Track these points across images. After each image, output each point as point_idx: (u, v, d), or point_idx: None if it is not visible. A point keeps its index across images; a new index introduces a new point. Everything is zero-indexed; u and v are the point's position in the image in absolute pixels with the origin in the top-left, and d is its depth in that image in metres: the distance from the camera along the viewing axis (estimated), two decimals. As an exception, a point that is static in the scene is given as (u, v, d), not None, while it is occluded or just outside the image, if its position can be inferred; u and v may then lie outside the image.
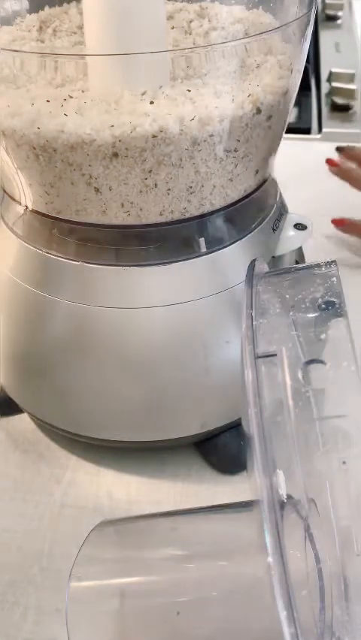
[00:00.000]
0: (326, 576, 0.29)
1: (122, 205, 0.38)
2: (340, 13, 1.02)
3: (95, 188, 0.37)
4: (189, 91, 0.36)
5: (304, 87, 0.85)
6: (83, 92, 0.36)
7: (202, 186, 0.38)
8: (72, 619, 0.33)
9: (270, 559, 0.24)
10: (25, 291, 0.42)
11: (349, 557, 0.28)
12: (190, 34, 0.43)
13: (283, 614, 0.24)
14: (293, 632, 0.24)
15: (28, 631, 0.38)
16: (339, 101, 0.85)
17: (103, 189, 0.37)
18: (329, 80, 0.88)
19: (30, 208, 0.41)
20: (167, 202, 0.38)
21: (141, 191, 0.37)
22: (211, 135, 0.36)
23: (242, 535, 0.34)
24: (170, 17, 0.44)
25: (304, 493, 0.28)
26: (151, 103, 0.35)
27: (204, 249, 0.40)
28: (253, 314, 0.31)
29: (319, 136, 0.85)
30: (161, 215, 0.38)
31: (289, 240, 0.45)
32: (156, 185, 0.37)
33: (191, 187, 0.38)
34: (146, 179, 0.36)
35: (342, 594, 0.28)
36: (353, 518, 0.28)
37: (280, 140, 0.43)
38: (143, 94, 0.36)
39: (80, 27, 0.42)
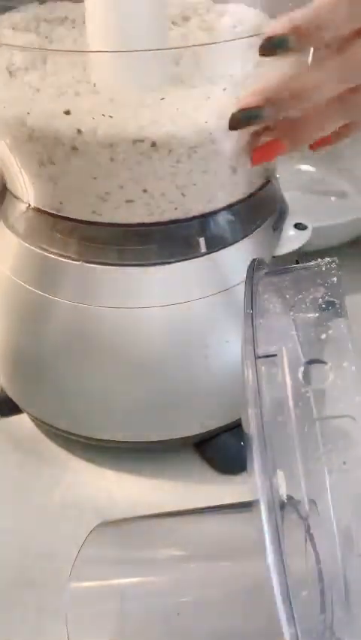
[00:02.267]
0: (326, 576, 0.29)
1: (126, 202, 0.38)
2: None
3: (98, 186, 0.37)
4: (192, 90, 0.36)
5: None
6: (84, 90, 0.36)
7: (205, 186, 0.38)
8: (72, 619, 0.33)
9: (270, 559, 0.24)
10: (25, 291, 0.41)
11: (349, 558, 0.28)
12: (194, 32, 0.43)
13: (283, 614, 0.24)
14: (293, 632, 0.24)
15: (28, 631, 0.38)
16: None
17: (107, 188, 0.37)
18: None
19: (32, 205, 0.41)
20: (170, 200, 0.38)
21: (144, 190, 0.37)
22: (213, 135, 0.36)
23: (242, 535, 0.34)
24: (172, 17, 0.44)
25: (304, 494, 0.28)
26: (155, 102, 0.35)
27: (204, 249, 0.40)
28: (253, 314, 0.31)
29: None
30: (164, 213, 0.38)
31: (289, 239, 0.45)
32: (159, 183, 0.37)
33: (195, 185, 0.38)
34: (149, 177, 0.36)
35: (342, 595, 0.28)
36: (353, 518, 0.28)
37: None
38: (145, 93, 0.36)
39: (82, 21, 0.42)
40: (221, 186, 0.39)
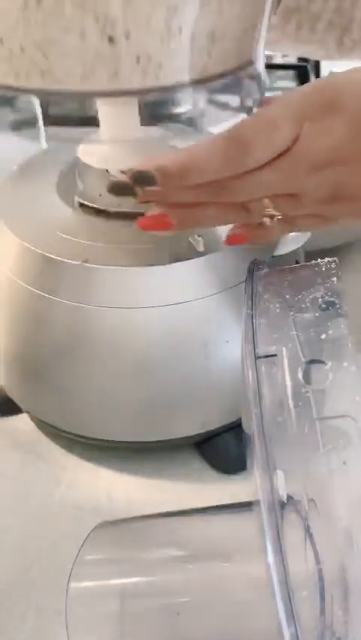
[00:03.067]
0: (326, 576, 0.29)
1: (138, 60, 0.32)
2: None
3: (109, 37, 0.31)
4: None
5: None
6: None
7: (224, 35, 0.33)
8: (72, 620, 0.33)
9: (270, 559, 0.24)
10: (25, 291, 0.41)
11: (349, 558, 0.28)
12: None
13: (283, 614, 0.24)
14: (293, 632, 0.24)
15: (28, 632, 0.38)
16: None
17: (118, 38, 0.31)
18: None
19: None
20: (188, 55, 0.33)
21: (162, 39, 0.32)
22: None
23: (242, 535, 0.34)
24: None
25: (304, 493, 0.28)
26: None
27: (203, 249, 0.40)
28: (253, 314, 0.31)
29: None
30: (180, 73, 0.33)
31: (289, 239, 0.45)
32: (180, 30, 0.32)
33: (213, 33, 0.33)
34: (169, 20, 0.31)
35: (342, 594, 0.28)
36: (353, 518, 0.28)
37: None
38: None
39: None
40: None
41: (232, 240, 0.37)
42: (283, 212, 0.35)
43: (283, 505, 0.27)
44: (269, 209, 0.35)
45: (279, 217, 0.35)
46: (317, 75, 0.89)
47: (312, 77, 0.87)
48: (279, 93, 0.36)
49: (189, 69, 0.33)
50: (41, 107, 0.34)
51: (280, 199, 0.34)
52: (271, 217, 0.35)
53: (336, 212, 0.35)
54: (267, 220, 0.35)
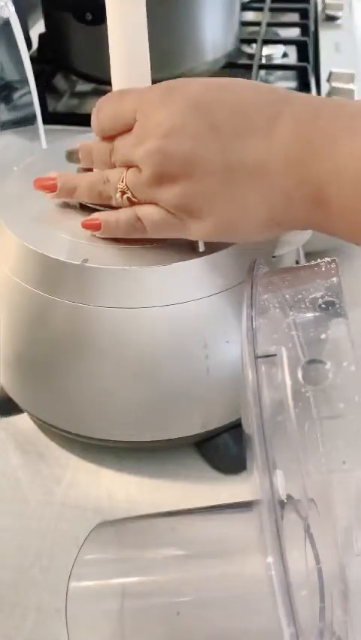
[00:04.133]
0: (326, 576, 0.29)
1: None
2: (340, 13, 1.02)
3: None
4: None
5: (304, 87, 0.85)
6: None
7: None
8: (72, 619, 0.33)
9: (270, 559, 0.24)
10: (25, 291, 0.41)
11: (349, 557, 0.28)
12: None
13: (283, 614, 0.24)
14: (293, 632, 0.24)
15: (28, 631, 0.38)
16: (339, 101, 0.85)
17: None
18: (328, 80, 0.88)
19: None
20: None
21: None
22: None
23: (242, 535, 0.34)
24: None
25: (304, 493, 0.28)
26: None
27: (203, 249, 0.40)
28: (253, 314, 0.31)
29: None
30: None
31: (289, 239, 0.45)
32: None
33: None
34: None
35: (342, 594, 0.28)
36: (353, 518, 0.28)
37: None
38: None
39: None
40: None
41: (87, 225, 0.41)
42: (130, 183, 0.39)
43: (283, 505, 0.27)
44: (121, 184, 0.39)
45: (128, 195, 0.39)
46: (317, 75, 0.89)
47: (312, 77, 0.87)
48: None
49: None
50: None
51: (128, 171, 0.39)
52: (122, 193, 0.39)
53: (165, 196, 0.37)
54: (118, 196, 0.39)
